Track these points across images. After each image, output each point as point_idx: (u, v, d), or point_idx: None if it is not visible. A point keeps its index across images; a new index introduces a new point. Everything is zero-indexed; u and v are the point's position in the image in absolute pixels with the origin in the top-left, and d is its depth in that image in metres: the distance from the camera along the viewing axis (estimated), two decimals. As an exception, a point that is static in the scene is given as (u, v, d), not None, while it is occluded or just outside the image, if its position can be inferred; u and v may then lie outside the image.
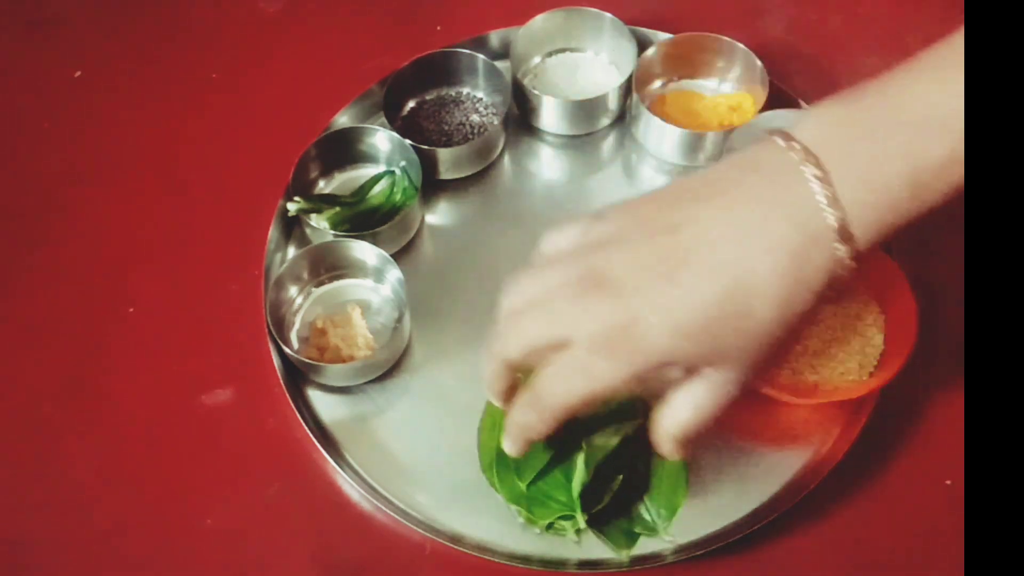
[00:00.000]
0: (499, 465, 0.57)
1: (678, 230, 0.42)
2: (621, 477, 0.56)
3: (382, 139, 0.68)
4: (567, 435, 0.57)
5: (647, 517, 0.57)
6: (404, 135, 0.67)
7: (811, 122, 0.43)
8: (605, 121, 0.71)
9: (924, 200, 0.42)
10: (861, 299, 0.60)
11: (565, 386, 0.44)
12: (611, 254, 0.43)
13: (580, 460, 0.55)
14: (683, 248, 0.42)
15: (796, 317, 0.42)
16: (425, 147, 0.66)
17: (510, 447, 0.49)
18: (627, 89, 0.70)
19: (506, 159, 0.71)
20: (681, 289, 0.41)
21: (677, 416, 0.46)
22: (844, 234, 0.41)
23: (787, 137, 0.42)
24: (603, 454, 0.56)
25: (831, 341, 0.58)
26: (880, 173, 0.41)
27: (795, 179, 0.41)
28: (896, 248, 0.62)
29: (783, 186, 0.42)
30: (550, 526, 0.56)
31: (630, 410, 0.59)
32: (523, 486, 0.56)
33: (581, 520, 0.55)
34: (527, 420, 0.47)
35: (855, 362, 0.57)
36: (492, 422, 0.59)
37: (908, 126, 0.41)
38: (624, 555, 0.56)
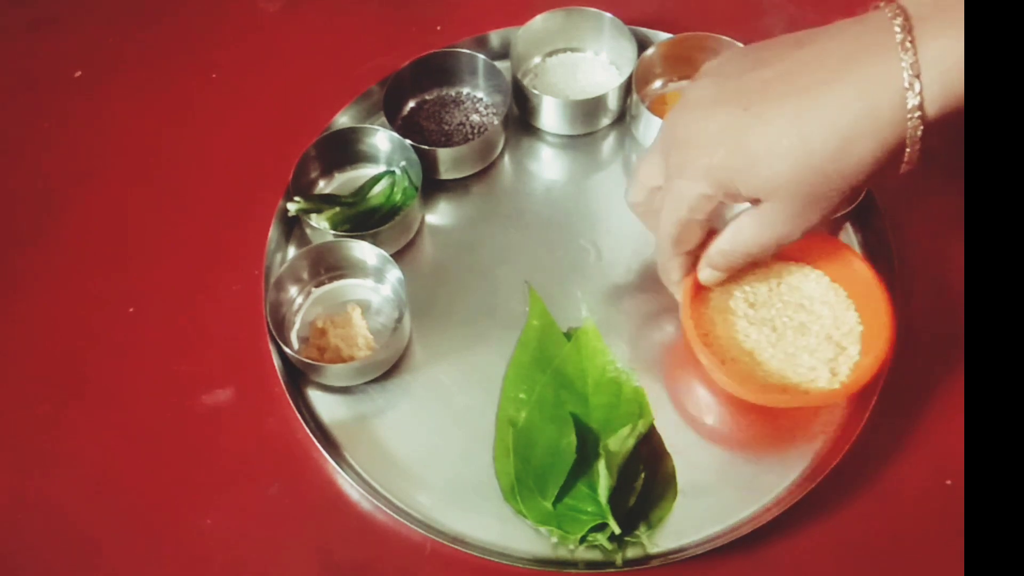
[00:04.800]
0: (521, 490, 0.57)
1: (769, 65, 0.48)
2: (644, 475, 0.56)
3: (382, 139, 0.68)
4: (582, 445, 0.57)
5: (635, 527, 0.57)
6: (404, 135, 0.67)
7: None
8: (605, 121, 0.71)
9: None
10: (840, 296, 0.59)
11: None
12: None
13: (601, 466, 0.55)
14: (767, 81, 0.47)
15: (854, 173, 0.46)
16: (425, 147, 0.66)
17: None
18: (627, 89, 0.70)
19: (506, 159, 0.71)
20: (758, 118, 0.47)
21: (720, 239, 0.53)
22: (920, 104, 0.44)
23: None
24: (622, 457, 0.56)
25: (805, 348, 0.58)
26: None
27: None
28: (896, 248, 0.62)
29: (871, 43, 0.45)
30: (583, 540, 0.56)
31: (640, 409, 0.59)
32: (549, 505, 0.56)
33: (615, 525, 0.55)
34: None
35: (828, 369, 0.57)
36: (504, 448, 0.59)
37: None
38: (619, 557, 0.56)
